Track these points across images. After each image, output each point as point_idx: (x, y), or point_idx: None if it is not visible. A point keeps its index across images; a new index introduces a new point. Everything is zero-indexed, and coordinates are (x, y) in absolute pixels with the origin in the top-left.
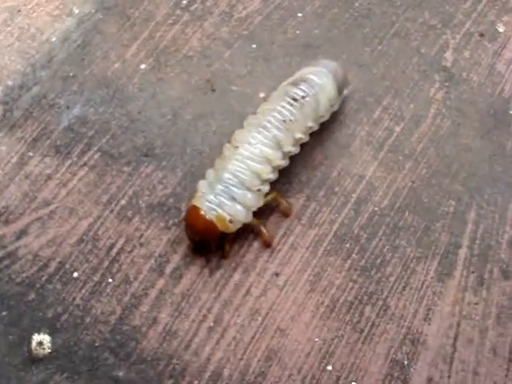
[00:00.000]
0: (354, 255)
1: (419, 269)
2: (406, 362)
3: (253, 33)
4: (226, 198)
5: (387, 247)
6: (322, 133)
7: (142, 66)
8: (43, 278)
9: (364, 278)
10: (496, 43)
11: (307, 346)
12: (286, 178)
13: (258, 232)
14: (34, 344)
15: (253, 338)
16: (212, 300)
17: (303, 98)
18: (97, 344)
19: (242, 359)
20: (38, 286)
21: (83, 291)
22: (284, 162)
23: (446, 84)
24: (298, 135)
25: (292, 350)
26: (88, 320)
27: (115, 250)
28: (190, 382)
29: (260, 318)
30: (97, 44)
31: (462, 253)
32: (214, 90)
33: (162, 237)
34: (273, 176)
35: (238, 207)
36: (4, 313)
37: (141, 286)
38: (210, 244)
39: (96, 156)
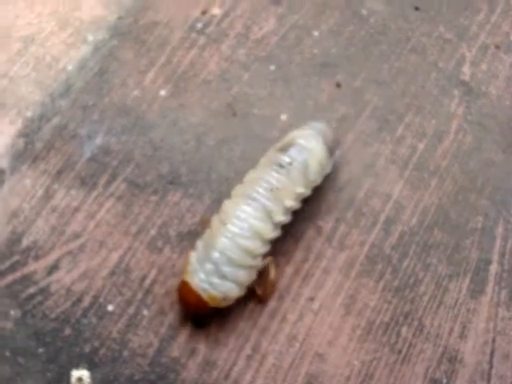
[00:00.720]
0: (386, 276)
1: (452, 286)
2: (444, 381)
3: (270, 54)
4: (217, 276)
5: (419, 266)
6: (347, 153)
7: (162, 93)
8: (78, 313)
9: (398, 299)
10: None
11: (346, 369)
12: (314, 200)
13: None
14: (73, 380)
15: (292, 364)
16: (249, 328)
17: (290, 164)
18: (136, 377)
19: None
20: (73, 321)
21: (119, 325)
22: (276, 234)
23: (466, 98)
24: (289, 203)
25: (331, 375)
26: (126, 353)
27: (148, 282)
28: None
29: (298, 344)
30: (114, 71)
31: (493, 268)
32: (235, 115)
33: None
34: (264, 250)
35: (231, 285)
36: (41, 350)
37: (177, 317)
38: (203, 316)
39: (122, 186)
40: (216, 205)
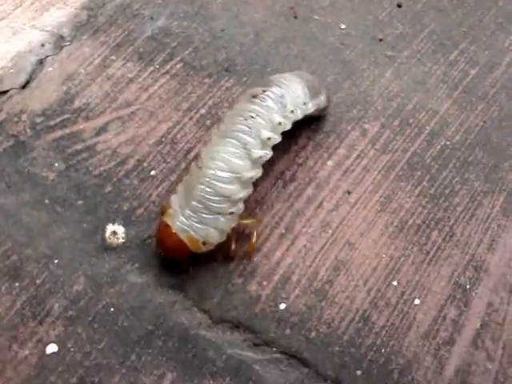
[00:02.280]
0: (424, 183)
1: (486, 202)
2: (468, 286)
3: None
4: (197, 221)
5: (456, 179)
6: (400, 67)
7: None
8: (120, 174)
9: (432, 205)
10: None
11: (374, 260)
12: (361, 105)
13: (249, 234)
14: (108, 233)
15: (322, 248)
16: (285, 209)
17: (263, 91)
18: None
19: (310, 266)
20: (115, 179)
21: (160, 189)
22: (255, 173)
23: None
24: (266, 134)
25: (359, 263)
26: None
27: (193, 154)
28: (260, 283)
29: (330, 231)
30: None
31: None
32: (296, 18)
33: None
34: (245, 193)
35: (211, 230)
36: (80, 202)
37: None
38: (180, 262)
39: (178, 66)
40: None
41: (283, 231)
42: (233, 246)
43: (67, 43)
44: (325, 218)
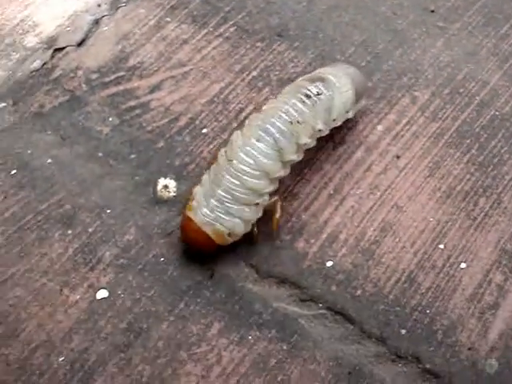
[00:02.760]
0: (473, 151)
1: None
2: None
3: None
4: (223, 212)
5: (505, 149)
6: (451, 38)
7: None
8: (173, 130)
9: (481, 173)
10: None
11: (422, 224)
12: (412, 73)
13: (272, 216)
14: (159, 187)
15: (370, 209)
16: (334, 171)
17: (317, 95)
18: None
19: (358, 227)
20: (167, 136)
21: (211, 146)
22: (284, 172)
23: None
24: (304, 140)
25: (407, 226)
26: None
27: (244, 114)
28: (307, 240)
29: (379, 193)
30: None
31: None
32: None
33: None
34: (271, 189)
35: (237, 221)
36: (132, 156)
37: None
38: (209, 255)
39: (231, 29)
40: (319, 59)
41: (331, 192)
42: (255, 232)
43: (123, 4)
44: (373, 181)
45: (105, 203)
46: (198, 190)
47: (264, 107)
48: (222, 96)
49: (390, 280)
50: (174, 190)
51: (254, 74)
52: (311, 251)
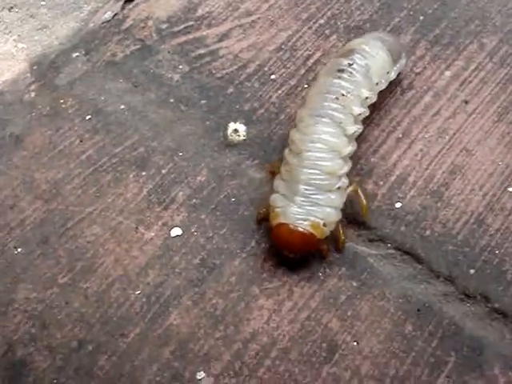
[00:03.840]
0: None
1: None
2: None
3: None
4: (311, 205)
5: None
6: None
7: None
8: (242, 77)
9: None
10: None
11: (491, 167)
12: (480, 20)
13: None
14: (229, 131)
15: (439, 152)
16: (402, 115)
17: (350, 65)
18: None
19: (427, 169)
20: (236, 82)
21: (279, 92)
22: (352, 148)
23: None
24: (357, 110)
25: (476, 169)
26: (282, 117)
27: (312, 61)
28: (376, 182)
29: (447, 137)
30: None
31: None
32: None
33: None
34: (347, 168)
35: (328, 209)
36: (203, 101)
37: None
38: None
39: None
40: (385, 8)
41: (400, 135)
42: (342, 237)
43: None
44: (442, 125)
45: (177, 146)
46: (275, 197)
47: (306, 98)
48: (289, 43)
49: (458, 221)
50: (244, 133)
51: (321, 21)
52: (380, 193)
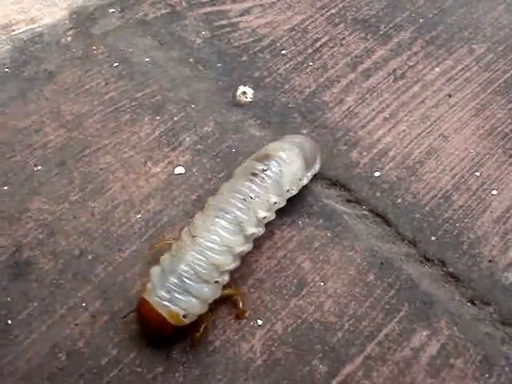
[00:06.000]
0: None
1: None
2: None
3: None
4: (180, 291)
5: None
6: (511, 4)
7: None
8: (256, 48)
9: None
10: None
11: (463, 153)
12: (472, 29)
13: (235, 301)
14: (238, 92)
15: (419, 135)
16: (392, 99)
17: (263, 171)
18: (290, 105)
19: (406, 147)
20: (250, 52)
21: (287, 65)
22: (247, 248)
23: None
24: (262, 214)
25: (449, 153)
26: (287, 87)
27: (319, 43)
28: (360, 152)
29: (428, 123)
30: None
31: None
32: None
33: (360, 44)
34: (233, 266)
35: (193, 300)
36: (219, 64)
37: (334, 74)
38: (166, 336)
39: None
40: (390, 8)
41: (387, 116)
42: (201, 330)
43: None
44: (425, 112)
45: (190, 99)
46: (154, 270)
47: (219, 190)
48: (302, 26)
49: (427, 195)
50: (251, 96)
51: (333, 11)
52: (362, 162)
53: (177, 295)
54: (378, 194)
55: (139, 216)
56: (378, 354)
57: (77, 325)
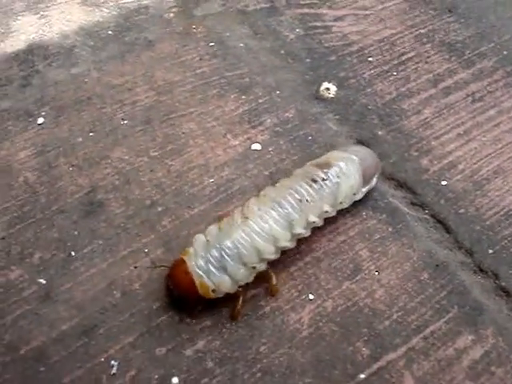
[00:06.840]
0: None
1: None
2: None
3: None
4: (217, 266)
5: None
6: None
7: None
8: (345, 51)
9: None
10: None
11: None
12: None
13: (268, 279)
14: (322, 87)
15: (490, 154)
16: (467, 118)
17: (323, 180)
18: (369, 107)
19: (475, 164)
20: (339, 54)
21: (372, 71)
22: (290, 244)
23: None
24: (312, 218)
25: None
26: (369, 90)
27: (405, 57)
28: (431, 160)
29: (500, 145)
30: None
31: None
32: None
33: (444, 64)
34: (274, 257)
35: (226, 278)
36: (308, 60)
37: (416, 86)
38: (187, 302)
39: None
40: (477, 37)
41: (461, 132)
42: (238, 306)
43: None
44: (498, 135)
45: (276, 86)
46: (198, 238)
47: (277, 184)
48: (391, 39)
49: (490, 210)
50: (334, 93)
51: (422, 31)
52: (432, 169)
53: (212, 269)
54: (443, 201)
55: (212, 180)
56: (422, 348)
57: (136, 267)
